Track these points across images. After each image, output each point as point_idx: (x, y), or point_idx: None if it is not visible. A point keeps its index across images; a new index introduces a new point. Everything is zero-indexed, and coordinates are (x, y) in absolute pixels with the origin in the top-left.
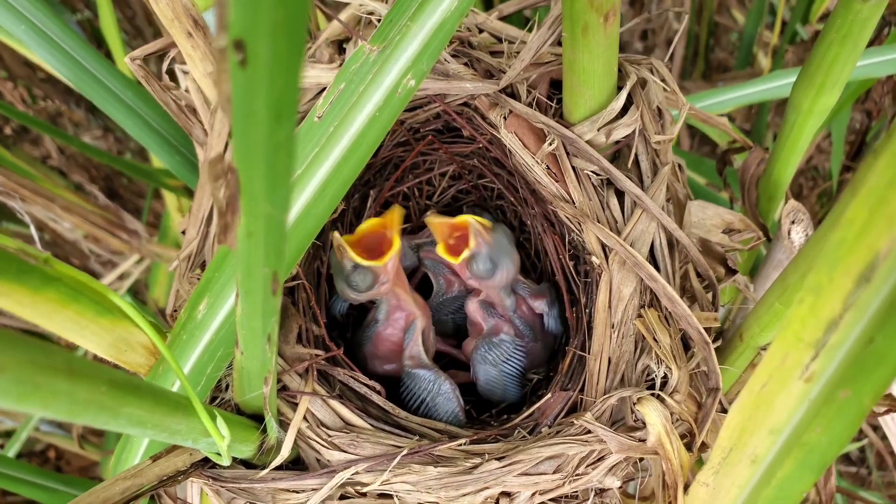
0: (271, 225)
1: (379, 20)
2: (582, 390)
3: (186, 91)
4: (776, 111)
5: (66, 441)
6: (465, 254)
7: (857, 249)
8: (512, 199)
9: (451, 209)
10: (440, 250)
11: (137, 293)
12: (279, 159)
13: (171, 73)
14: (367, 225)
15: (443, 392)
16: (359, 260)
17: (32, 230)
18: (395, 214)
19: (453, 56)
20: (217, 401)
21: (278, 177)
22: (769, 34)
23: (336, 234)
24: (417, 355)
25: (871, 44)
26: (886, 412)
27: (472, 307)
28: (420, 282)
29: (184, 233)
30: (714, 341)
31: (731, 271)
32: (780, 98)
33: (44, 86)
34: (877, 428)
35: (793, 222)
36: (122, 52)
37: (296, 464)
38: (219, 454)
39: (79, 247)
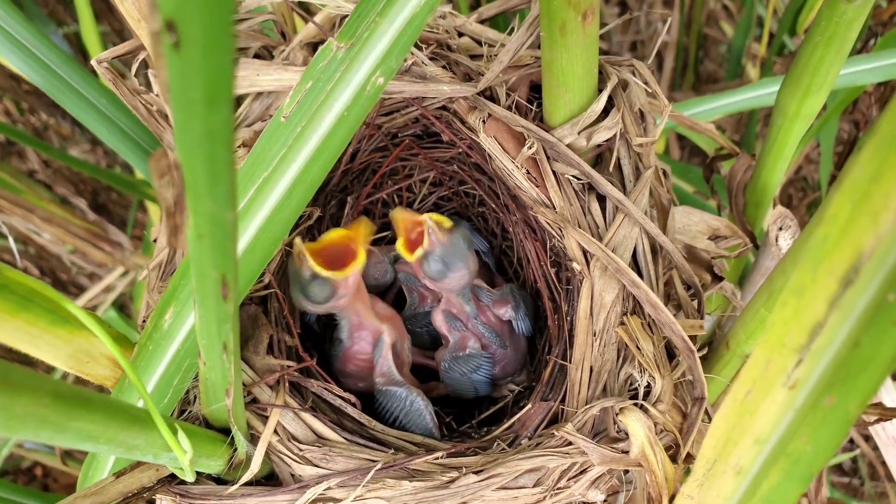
0: (216, 224)
1: None
2: (563, 400)
3: (157, 95)
4: (765, 122)
5: (52, 458)
6: (419, 252)
7: (840, 247)
8: (493, 205)
9: None
10: (399, 245)
11: (123, 307)
12: (217, 149)
13: (147, 80)
14: (333, 235)
15: (415, 409)
16: (318, 270)
17: (11, 242)
18: (363, 227)
19: (431, 59)
20: (185, 414)
21: (219, 170)
22: (757, 46)
23: (298, 240)
24: (388, 372)
25: (858, 53)
26: (877, 421)
27: (438, 319)
28: (396, 295)
29: (155, 241)
30: (700, 350)
31: (718, 278)
32: (767, 106)
33: (29, 98)
34: (868, 438)
35: (780, 228)
36: None
37: (271, 478)
38: (182, 469)
39: (63, 261)
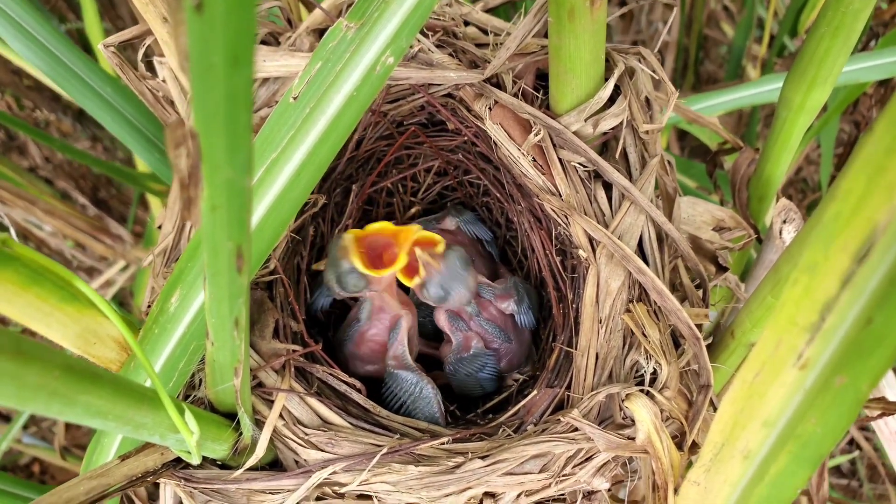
0: (233, 192)
1: None
2: (569, 387)
3: (163, 81)
4: (765, 122)
5: (51, 454)
6: (416, 280)
7: (854, 223)
8: (498, 195)
9: (436, 206)
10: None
11: (123, 303)
12: (238, 112)
13: (151, 66)
14: (380, 227)
15: (424, 396)
16: (360, 268)
17: (13, 233)
18: (411, 234)
19: (438, 46)
20: (190, 398)
21: (238, 134)
22: (758, 47)
23: (347, 234)
24: (401, 356)
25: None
26: (880, 416)
27: (441, 318)
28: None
29: (160, 227)
30: (705, 340)
31: (722, 269)
32: (767, 104)
33: (31, 94)
34: (869, 439)
35: (784, 221)
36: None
37: (275, 466)
38: (189, 452)
39: (64, 255)
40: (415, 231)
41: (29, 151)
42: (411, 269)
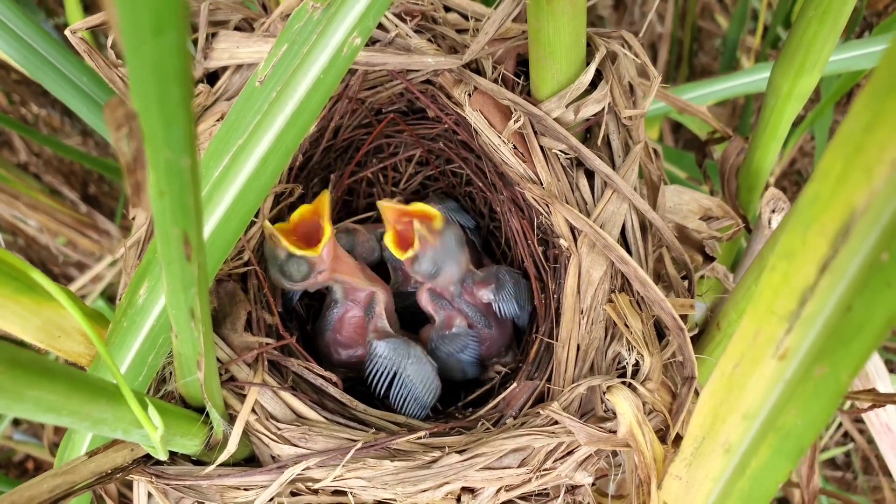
0: (173, 174)
1: None
2: (549, 380)
3: None
4: (759, 113)
5: (42, 450)
6: (409, 253)
7: (832, 206)
8: (480, 184)
9: (419, 197)
10: (388, 239)
11: (113, 298)
12: (169, 85)
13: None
14: (301, 212)
15: (413, 355)
16: (292, 249)
17: None
18: (325, 200)
19: (416, 31)
20: (161, 392)
21: (171, 110)
22: (752, 39)
23: (267, 222)
24: (382, 328)
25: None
26: (871, 408)
27: (424, 298)
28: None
29: (134, 219)
30: (693, 331)
31: (709, 259)
32: (761, 93)
33: (19, 88)
34: (862, 431)
35: (773, 211)
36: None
37: (253, 461)
38: (155, 447)
39: (52, 251)
40: (325, 195)
41: (17, 147)
42: (404, 241)
